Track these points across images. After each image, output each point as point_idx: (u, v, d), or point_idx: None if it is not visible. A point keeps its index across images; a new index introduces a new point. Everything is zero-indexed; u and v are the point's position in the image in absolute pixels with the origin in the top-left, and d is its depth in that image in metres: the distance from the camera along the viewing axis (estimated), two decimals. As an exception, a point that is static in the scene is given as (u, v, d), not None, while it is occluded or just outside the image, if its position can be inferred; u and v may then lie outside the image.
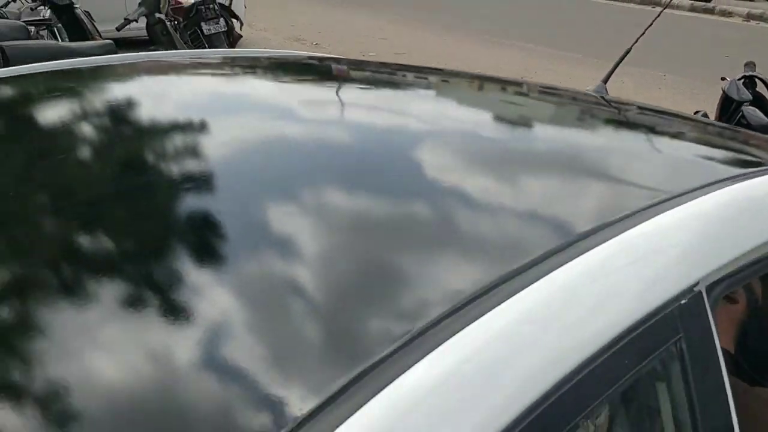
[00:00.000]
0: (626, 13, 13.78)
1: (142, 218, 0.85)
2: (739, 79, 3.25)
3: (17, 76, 1.42)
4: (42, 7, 6.85)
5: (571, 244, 0.75)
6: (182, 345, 0.64)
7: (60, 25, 6.78)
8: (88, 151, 1.10)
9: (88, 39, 6.26)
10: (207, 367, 0.62)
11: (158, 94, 1.40)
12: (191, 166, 1.01)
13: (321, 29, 11.65)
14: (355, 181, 0.95)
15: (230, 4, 7.55)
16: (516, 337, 0.63)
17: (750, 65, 3.33)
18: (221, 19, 7.09)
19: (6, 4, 7.08)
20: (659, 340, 0.72)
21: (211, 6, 7.03)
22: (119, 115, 1.23)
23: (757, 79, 3.29)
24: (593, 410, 0.68)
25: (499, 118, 1.37)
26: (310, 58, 1.76)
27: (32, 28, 6.15)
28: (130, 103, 1.32)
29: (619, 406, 0.76)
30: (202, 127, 1.14)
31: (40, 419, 0.57)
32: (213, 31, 7.00)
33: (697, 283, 0.77)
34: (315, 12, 13.42)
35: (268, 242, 0.79)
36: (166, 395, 0.60)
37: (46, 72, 1.46)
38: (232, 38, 7.26)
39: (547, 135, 1.30)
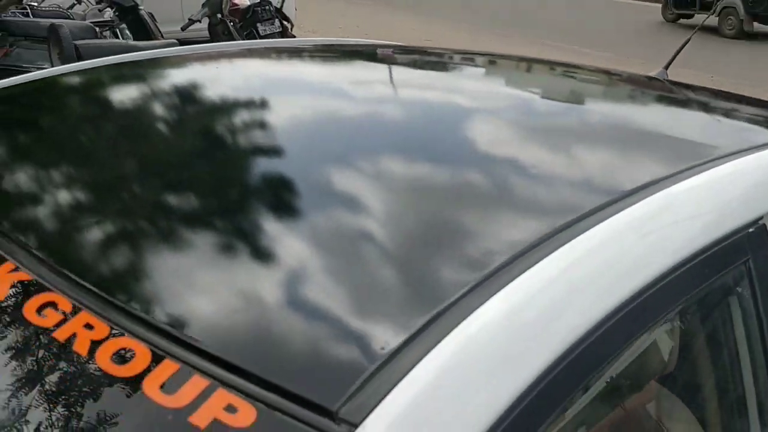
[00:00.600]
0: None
1: (257, 179, 0.97)
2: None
3: (127, 62, 1.56)
4: (106, 9, 7.11)
5: (655, 182, 0.88)
6: (295, 289, 0.74)
7: (123, 25, 7.03)
8: (203, 122, 1.21)
9: (151, 39, 6.49)
10: (318, 307, 0.71)
11: (261, 76, 1.53)
12: (290, 135, 1.13)
13: (367, 31, 11.80)
14: (436, 149, 1.07)
15: (281, 6, 7.73)
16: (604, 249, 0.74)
17: None
18: (276, 21, 7.27)
19: (72, 6, 7.37)
20: (732, 259, 0.85)
21: (267, 8, 7.21)
22: (230, 93, 1.36)
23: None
24: (674, 315, 0.80)
25: (572, 96, 1.49)
26: (386, 45, 1.88)
27: (97, 29, 6.40)
28: (240, 83, 1.45)
29: (695, 314, 0.89)
30: (298, 104, 1.27)
31: (152, 340, 0.66)
32: (268, 32, 7.18)
33: (761, 217, 0.91)
34: (359, 14, 13.60)
35: (361, 202, 0.89)
36: (265, 331, 0.68)
37: (161, 58, 1.60)
38: (286, 38, 7.44)
39: (623, 108, 1.44)
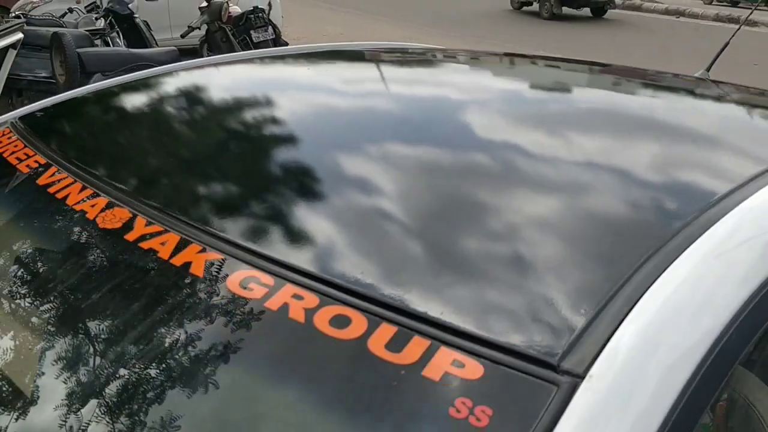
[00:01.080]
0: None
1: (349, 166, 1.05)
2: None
3: (187, 69, 1.62)
4: (98, 17, 7.14)
5: None
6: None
7: (114, 34, 7.06)
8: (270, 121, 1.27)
9: (147, 46, 6.53)
10: (529, 265, 0.79)
11: (312, 80, 1.59)
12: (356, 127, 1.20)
13: (351, 38, 11.90)
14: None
15: (269, 14, 7.80)
16: None
17: None
18: (269, 28, 7.35)
19: (63, 15, 7.37)
20: None
21: (260, 15, 7.28)
22: (291, 93, 1.42)
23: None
24: None
25: (651, 101, 1.56)
26: (405, 49, 1.94)
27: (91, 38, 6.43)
28: (300, 84, 1.52)
29: None
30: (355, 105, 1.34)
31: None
32: (262, 39, 7.24)
33: None
34: (341, 21, 13.71)
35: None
36: (476, 291, 0.76)
37: (203, 66, 1.65)
38: (278, 46, 7.50)
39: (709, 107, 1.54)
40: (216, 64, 1.62)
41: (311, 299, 0.74)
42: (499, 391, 0.63)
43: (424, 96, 1.40)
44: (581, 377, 0.62)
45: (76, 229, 0.97)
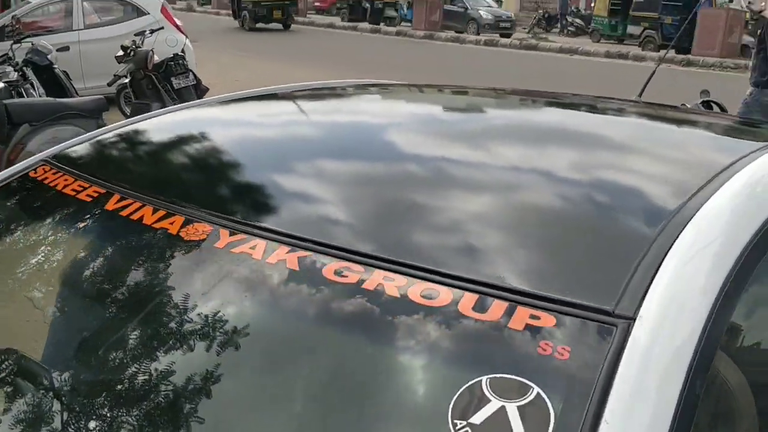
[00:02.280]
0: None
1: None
2: (700, 104, 3.84)
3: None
4: (9, 69, 7.07)
5: None
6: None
7: (27, 85, 7.01)
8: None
9: (67, 95, 6.52)
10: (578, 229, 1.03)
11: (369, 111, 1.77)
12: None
13: (264, 83, 12.02)
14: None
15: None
16: None
17: (705, 92, 3.92)
18: (190, 74, 7.45)
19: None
20: None
21: (181, 62, 7.38)
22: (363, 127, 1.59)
23: (713, 103, 3.87)
24: None
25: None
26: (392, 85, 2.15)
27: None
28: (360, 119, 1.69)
29: None
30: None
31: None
32: (183, 85, 7.33)
33: None
34: (249, 66, 13.89)
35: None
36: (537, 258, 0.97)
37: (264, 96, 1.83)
38: (200, 91, 7.59)
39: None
40: (228, 102, 1.77)
41: (400, 280, 0.91)
42: (571, 334, 0.81)
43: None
44: (633, 319, 0.81)
45: (163, 244, 1.09)
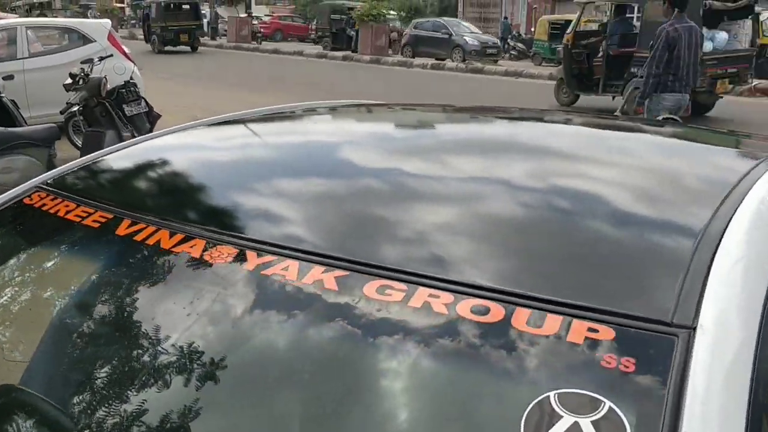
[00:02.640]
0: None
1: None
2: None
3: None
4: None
5: None
6: None
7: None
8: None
9: (16, 125, 6.33)
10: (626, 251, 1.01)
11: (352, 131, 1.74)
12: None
13: (215, 109, 11.90)
14: None
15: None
16: None
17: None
18: (142, 101, 7.33)
19: None
20: None
21: (132, 89, 7.27)
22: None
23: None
24: None
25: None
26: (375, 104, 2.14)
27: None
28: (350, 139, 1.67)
29: None
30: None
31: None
32: (135, 113, 7.21)
33: None
34: (194, 93, 13.77)
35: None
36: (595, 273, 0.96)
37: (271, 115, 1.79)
38: (152, 118, 7.48)
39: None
40: (216, 124, 1.73)
41: (446, 297, 0.89)
42: (632, 346, 0.81)
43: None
44: (692, 328, 0.81)
45: (186, 268, 1.05)
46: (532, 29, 26.31)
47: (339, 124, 1.85)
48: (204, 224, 1.12)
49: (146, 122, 7.30)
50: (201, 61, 21.68)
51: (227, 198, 1.27)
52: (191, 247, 1.06)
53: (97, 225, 1.17)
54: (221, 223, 1.14)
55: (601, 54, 11.78)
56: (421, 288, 0.91)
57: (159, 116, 7.64)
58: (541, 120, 1.97)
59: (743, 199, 1.07)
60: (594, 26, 14.99)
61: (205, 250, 1.05)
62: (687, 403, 0.73)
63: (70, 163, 1.47)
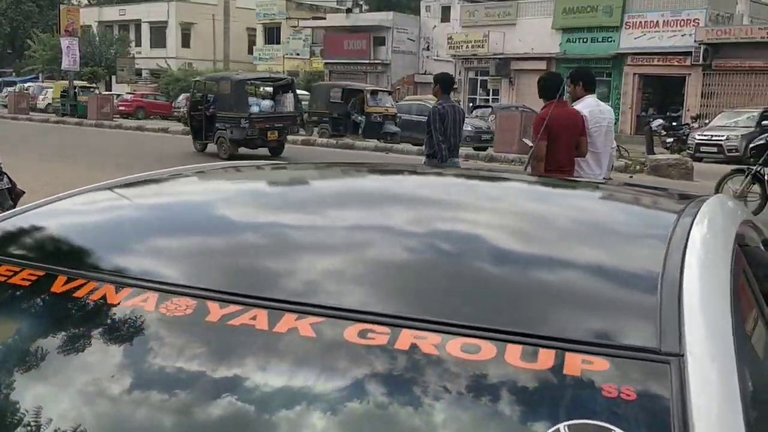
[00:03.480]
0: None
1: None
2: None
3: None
4: None
5: None
6: None
7: None
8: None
9: None
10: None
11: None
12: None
13: (75, 185, 11.41)
14: None
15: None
16: None
17: None
18: (5, 177, 6.91)
19: None
20: None
21: (-6, 164, 6.84)
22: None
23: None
24: None
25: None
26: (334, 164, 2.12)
27: None
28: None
29: None
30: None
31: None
32: (-3, 188, 6.77)
33: None
34: (46, 170, 13.20)
35: None
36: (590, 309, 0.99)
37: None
38: (14, 195, 7.06)
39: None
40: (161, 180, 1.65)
41: (433, 338, 0.87)
42: (628, 376, 0.82)
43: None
44: (681, 354, 0.83)
45: (140, 323, 0.96)
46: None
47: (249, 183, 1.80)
48: (150, 277, 1.05)
49: (8, 199, 6.87)
50: (61, 139, 20.85)
51: (174, 247, 1.20)
52: (143, 301, 0.98)
53: (26, 284, 1.06)
54: (169, 274, 1.07)
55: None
56: (404, 330, 0.88)
57: (23, 193, 7.21)
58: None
59: (693, 223, 1.13)
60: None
61: (159, 303, 0.97)
62: (694, 423, 0.74)
63: None
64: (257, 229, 1.28)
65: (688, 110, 27.95)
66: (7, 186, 6.86)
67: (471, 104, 30.80)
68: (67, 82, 31.96)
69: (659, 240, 1.13)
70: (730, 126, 20.77)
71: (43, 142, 19.56)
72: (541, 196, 1.70)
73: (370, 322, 0.90)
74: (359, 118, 21.88)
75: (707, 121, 23.97)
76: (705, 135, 20.56)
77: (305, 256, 1.13)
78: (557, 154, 5.78)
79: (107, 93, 36.04)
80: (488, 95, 35.04)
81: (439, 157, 7.99)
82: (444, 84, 8.03)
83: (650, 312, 0.91)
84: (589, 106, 6.08)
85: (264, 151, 16.55)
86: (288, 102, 17.50)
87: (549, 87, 6.05)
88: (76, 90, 31.44)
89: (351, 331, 0.89)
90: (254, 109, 16.69)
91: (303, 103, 20.55)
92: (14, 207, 7.01)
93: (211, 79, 19.40)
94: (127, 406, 0.86)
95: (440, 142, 7.88)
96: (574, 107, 6.06)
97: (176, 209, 1.46)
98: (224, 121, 16.35)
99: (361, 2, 47.63)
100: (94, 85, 37.61)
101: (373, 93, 23.55)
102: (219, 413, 0.83)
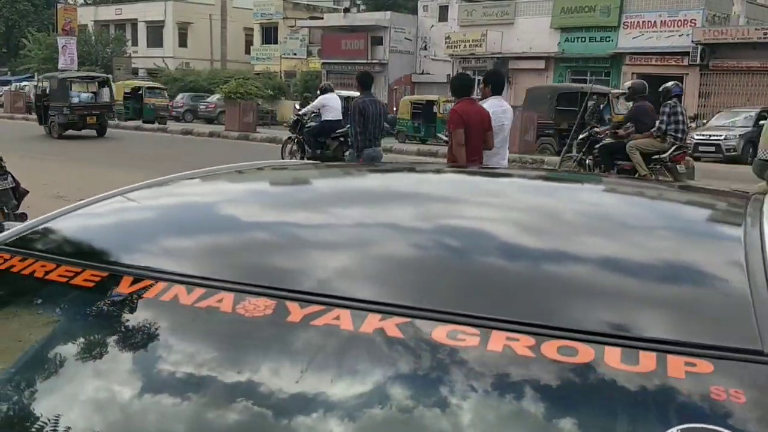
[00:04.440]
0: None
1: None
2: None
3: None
4: None
5: None
6: None
7: None
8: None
9: None
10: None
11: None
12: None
13: (77, 186, 11.38)
14: None
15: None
16: None
17: None
18: (9, 176, 6.87)
19: None
20: None
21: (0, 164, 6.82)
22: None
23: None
24: None
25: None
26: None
27: None
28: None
29: None
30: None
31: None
32: (1, 188, 6.73)
33: None
34: (53, 169, 13.13)
35: None
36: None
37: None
38: (18, 194, 7.02)
39: None
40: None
41: (527, 339, 0.84)
42: (733, 378, 0.79)
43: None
44: None
45: (219, 325, 0.93)
46: (395, 109, 27.15)
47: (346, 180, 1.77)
48: (224, 276, 1.02)
49: (12, 198, 6.83)
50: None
51: (246, 245, 1.17)
52: (218, 301, 0.95)
53: (90, 285, 1.03)
54: (243, 274, 1.04)
55: None
56: (494, 332, 0.86)
57: (26, 192, 7.18)
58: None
59: (762, 230, 1.11)
60: None
61: (236, 303, 0.95)
62: None
63: (34, 220, 1.31)
64: (323, 229, 1.25)
65: (685, 110, 27.98)
66: (11, 185, 6.82)
67: (469, 104, 30.69)
68: (132, 81, 30.56)
69: (735, 241, 1.12)
70: (727, 126, 20.75)
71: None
72: (608, 198, 1.66)
73: (458, 323, 0.87)
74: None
75: (705, 120, 23.99)
76: (703, 135, 20.53)
77: (387, 257, 1.10)
78: (468, 147, 6.65)
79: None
80: (486, 95, 34.95)
81: (354, 146, 9.05)
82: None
83: (745, 313, 0.89)
84: (493, 106, 7.00)
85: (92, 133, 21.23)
86: (105, 94, 22.60)
87: (461, 85, 7.14)
88: (141, 91, 29.54)
89: (439, 332, 0.86)
90: (75, 99, 21.36)
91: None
92: (18, 206, 6.99)
93: (46, 77, 23.60)
94: (215, 408, 0.84)
95: (358, 134, 8.92)
96: (481, 105, 6.98)
97: (236, 207, 1.41)
98: (54, 109, 21.12)
99: (358, 2, 47.53)
100: (164, 87, 33.49)
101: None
102: (310, 412, 0.81)
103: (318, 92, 14.05)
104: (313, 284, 0.99)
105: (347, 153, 10.00)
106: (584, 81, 30.95)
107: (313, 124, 13.48)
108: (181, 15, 50.09)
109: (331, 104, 13.19)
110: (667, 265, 1.10)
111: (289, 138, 14.79)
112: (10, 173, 6.97)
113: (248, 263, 1.09)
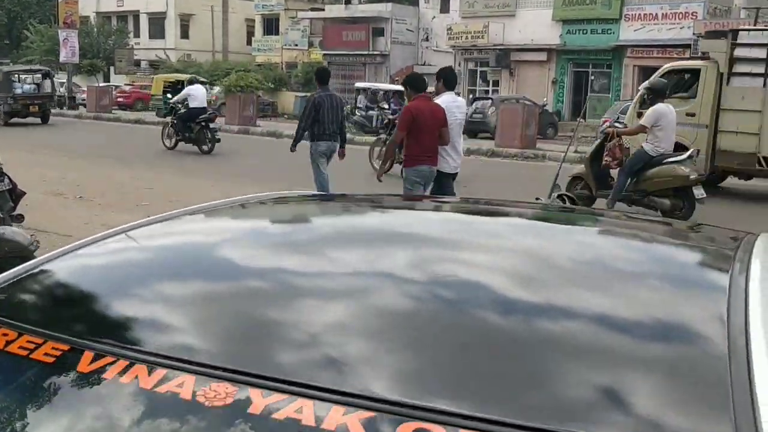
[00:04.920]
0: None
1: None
2: (556, 197, 4.10)
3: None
4: None
5: None
6: None
7: None
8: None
9: None
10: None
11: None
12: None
13: (76, 183, 11.37)
14: None
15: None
16: None
17: (557, 187, 4.20)
18: (5, 178, 6.84)
19: None
20: None
21: (-5, 166, 6.81)
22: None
23: (565, 197, 4.14)
24: None
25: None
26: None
27: None
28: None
29: None
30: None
31: None
32: (-2, 190, 6.72)
33: None
34: (59, 165, 13.09)
35: None
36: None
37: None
38: (15, 195, 7.00)
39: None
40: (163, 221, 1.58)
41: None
42: None
43: None
44: None
45: (175, 413, 0.90)
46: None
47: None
48: (183, 356, 0.98)
49: (9, 200, 6.81)
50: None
51: (208, 320, 1.13)
52: (178, 386, 0.92)
53: (50, 360, 1.00)
54: (204, 353, 1.00)
55: None
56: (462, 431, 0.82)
57: (24, 193, 7.16)
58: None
59: (749, 291, 1.09)
60: None
61: (195, 389, 0.91)
62: None
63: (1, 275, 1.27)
64: (290, 305, 1.17)
65: (687, 102, 27.84)
66: (8, 187, 6.80)
67: (471, 95, 30.67)
68: (171, 75, 28.86)
69: (719, 290, 1.10)
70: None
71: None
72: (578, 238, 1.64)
73: (427, 420, 0.84)
74: None
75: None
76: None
77: (356, 337, 1.06)
78: (424, 142, 6.98)
79: (105, 84, 35.84)
80: (488, 86, 34.89)
81: (294, 139, 9.52)
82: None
83: (721, 392, 0.87)
84: (446, 101, 7.25)
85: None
86: (47, 86, 24.62)
87: (414, 84, 7.40)
88: (180, 86, 24.17)
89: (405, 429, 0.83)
90: (18, 90, 23.70)
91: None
92: (15, 208, 6.97)
93: None
94: None
95: (303, 129, 9.32)
96: (436, 101, 7.24)
97: (205, 274, 1.33)
98: (1, 100, 23.26)
99: (359, -7, 47.39)
100: (205, 80, 26.52)
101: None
102: None
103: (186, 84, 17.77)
104: (277, 368, 0.96)
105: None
106: (586, 73, 30.81)
107: (183, 111, 16.42)
108: (183, 6, 49.96)
109: (195, 94, 16.22)
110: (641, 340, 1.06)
111: (166, 123, 17.61)
112: (6, 175, 6.94)
113: (214, 341, 1.06)
